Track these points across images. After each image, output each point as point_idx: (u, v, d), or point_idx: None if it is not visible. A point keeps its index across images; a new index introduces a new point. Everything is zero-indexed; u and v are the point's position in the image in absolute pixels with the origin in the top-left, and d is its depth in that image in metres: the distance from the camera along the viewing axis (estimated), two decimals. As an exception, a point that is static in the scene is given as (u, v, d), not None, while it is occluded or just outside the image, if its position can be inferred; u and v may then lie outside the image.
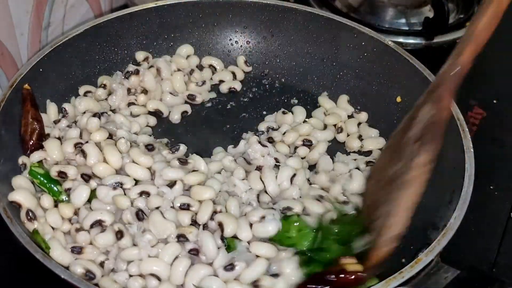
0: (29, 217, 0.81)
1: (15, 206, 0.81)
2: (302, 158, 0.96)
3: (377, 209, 0.79)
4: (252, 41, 1.15)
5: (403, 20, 1.31)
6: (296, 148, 0.99)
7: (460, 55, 0.78)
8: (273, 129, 1.02)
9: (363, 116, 1.06)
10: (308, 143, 0.98)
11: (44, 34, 1.06)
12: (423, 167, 0.74)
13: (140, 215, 0.82)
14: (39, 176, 0.86)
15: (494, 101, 1.16)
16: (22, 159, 0.87)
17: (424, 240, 0.81)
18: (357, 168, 0.95)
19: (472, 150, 0.87)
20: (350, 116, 1.06)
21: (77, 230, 0.82)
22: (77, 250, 0.80)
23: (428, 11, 1.31)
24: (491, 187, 1.00)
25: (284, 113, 1.04)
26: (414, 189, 0.75)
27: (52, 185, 0.86)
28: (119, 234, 0.80)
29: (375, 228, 0.77)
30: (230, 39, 1.15)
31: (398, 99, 1.03)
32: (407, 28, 1.30)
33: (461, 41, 0.79)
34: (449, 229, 0.79)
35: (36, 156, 0.87)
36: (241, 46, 1.15)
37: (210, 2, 1.11)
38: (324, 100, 1.08)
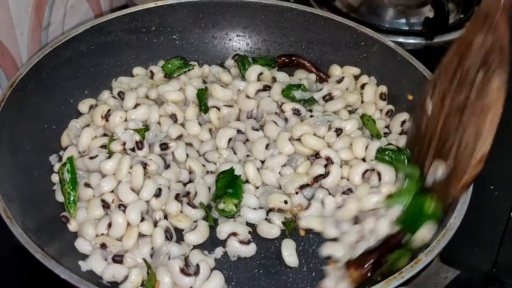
0: None
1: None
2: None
3: (446, 140, 0.82)
4: (252, 41, 1.15)
5: (403, 20, 1.31)
6: None
7: None
8: None
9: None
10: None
11: (44, 34, 1.06)
12: (499, 90, 0.77)
13: None
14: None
15: (494, 101, 1.16)
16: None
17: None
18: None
19: (472, 150, 0.87)
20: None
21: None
22: (118, 260, 0.81)
23: (428, 11, 1.31)
24: (491, 187, 1.00)
25: None
26: (494, 111, 0.78)
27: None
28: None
29: (449, 157, 0.81)
30: (230, 39, 1.15)
31: (410, 97, 1.03)
32: (407, 28, 1.30)
33: None
34: (449, 229, 0.79)
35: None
36: (240, 46, 1.15)
37: (210, 2, 1.11)
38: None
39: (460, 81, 0.82)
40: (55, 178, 0.91)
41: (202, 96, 0.99)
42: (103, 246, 0.83)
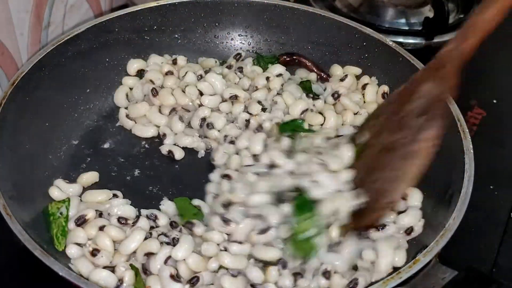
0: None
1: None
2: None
3: (373, 173, 0.82)
4: (254, 40, 1.15)
5: (403, 20, 1.31)
6: None
7: (464, 41, 0.81)
8: None
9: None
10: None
11: (44, 34, 1.06)
12: (431, 141, 0.78)
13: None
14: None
15: (494, 101, 1.16)
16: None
17: (423, 241, 0.82)
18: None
19: (472, 151, 0.87)
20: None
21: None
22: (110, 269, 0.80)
23: (428, 11, 1.31)
24: (491, 187, 1.00)
25: None
26: (421, 160, 0.78)
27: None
28: None
29: (370, 191, 0.80)
30: (232, 39, 1.15)
31: None
32: (407, 28, 1.30)
33: (465, 28, 0.81)
34: (448, 230, 0.78)
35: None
36: (242, 45, 1.15)
37: (211, 2, 1.12)
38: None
39: (400, 121, 0.82)
40: (55, 176, 0.92)
41: None
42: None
